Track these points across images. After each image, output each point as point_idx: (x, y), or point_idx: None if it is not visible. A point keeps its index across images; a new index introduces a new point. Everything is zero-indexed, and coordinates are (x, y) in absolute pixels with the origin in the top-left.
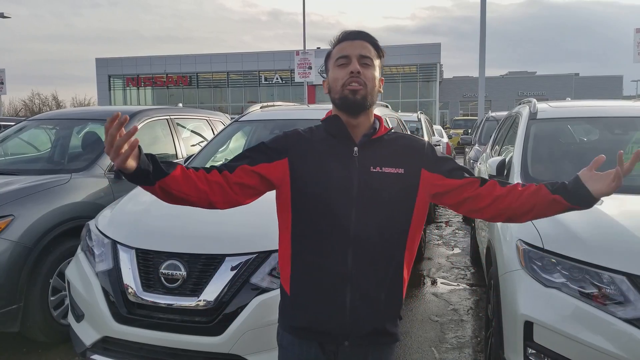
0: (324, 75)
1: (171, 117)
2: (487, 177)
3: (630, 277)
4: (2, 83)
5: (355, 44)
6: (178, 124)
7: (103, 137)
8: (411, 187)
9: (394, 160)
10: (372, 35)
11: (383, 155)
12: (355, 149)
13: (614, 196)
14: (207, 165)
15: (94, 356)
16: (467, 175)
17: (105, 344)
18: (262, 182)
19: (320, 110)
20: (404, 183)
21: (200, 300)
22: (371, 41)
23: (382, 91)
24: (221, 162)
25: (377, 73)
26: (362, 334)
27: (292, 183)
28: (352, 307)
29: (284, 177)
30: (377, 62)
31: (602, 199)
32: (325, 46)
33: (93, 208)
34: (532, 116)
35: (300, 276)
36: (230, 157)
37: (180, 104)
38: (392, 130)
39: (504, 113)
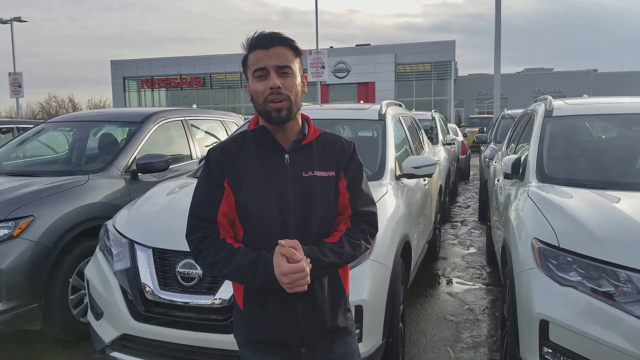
0: (245, 80)
1: (186, 118)
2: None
3: None
4: (20, 86)
5: (271, 52)
6: (192, 125)
7: (119, 139)
8: (337, 188)
9: (325, 164)
10: (286, 37)
11: (313, 159)
12: (286, 156)
13: (631, 194)
14: None
15: (113, 353)
16: (358, 203)
17: (123, 341)
18: (232, 206)
19: (333, 110)
20: (333, 185)
21: (215, 299)
22: (288, 44)
23: (306, 90)
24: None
25: (298, 78)
26: (317, 338)
27: (235, 198)
28: (304, 316)
29: (232, 193)
30: (296, 65)
31: (619, 196)
32: (338, 45)
33: (110, 208)
34: (548, 114)
35: (251, 291)
36: None
37: (194, 105)
38: (322, 132)
39: (520, 111)
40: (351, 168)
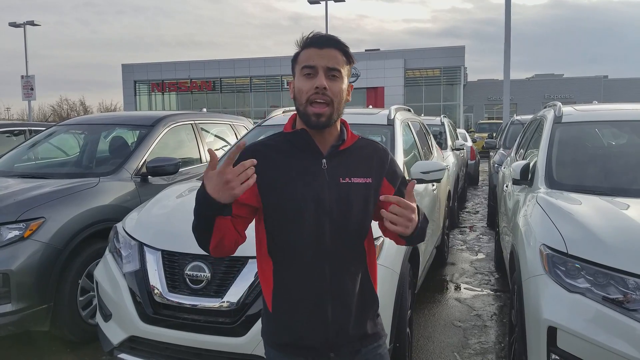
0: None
1: (195, 122)
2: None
3: None
4: (32, 89)
5: (324, 53)
6: (202, 129)
7: (129, 142)
8: (374, 195)
9: (362, 170)
10: (341, 41)
11: (351, 165)
12: (324, 161)
13: (639, 201)
14: None
15: (121, 355)
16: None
17: (132, 343)
18: (248, 210)
19: (345, 114)
20: (370, 192)
21: (223, 302)
22: (341, 49)
23: (350, 99)
24: None
25: (345, 84)
26: (347, 343)
27: (265, 203)
28: (334, 320)
29: (257, 198)
30: (345, 72)
31: (628, 203)
32: (352, 50)
33: (120, 211)
34: (557, 120)
35: (281, 292)
36: None
37: (204, 109)
38: (359, 137)
39: (530, 117)
40: (395, 175)
